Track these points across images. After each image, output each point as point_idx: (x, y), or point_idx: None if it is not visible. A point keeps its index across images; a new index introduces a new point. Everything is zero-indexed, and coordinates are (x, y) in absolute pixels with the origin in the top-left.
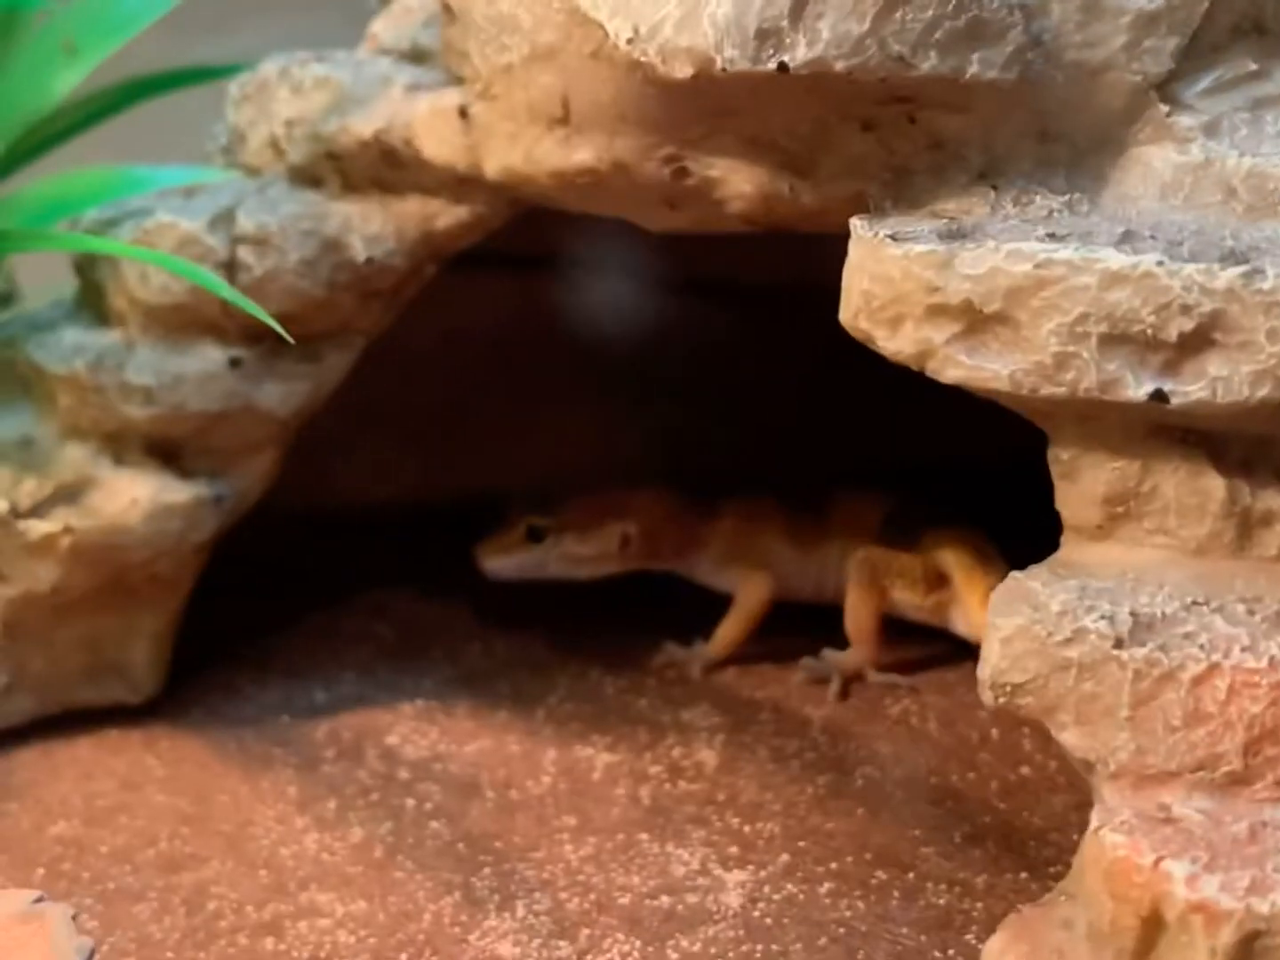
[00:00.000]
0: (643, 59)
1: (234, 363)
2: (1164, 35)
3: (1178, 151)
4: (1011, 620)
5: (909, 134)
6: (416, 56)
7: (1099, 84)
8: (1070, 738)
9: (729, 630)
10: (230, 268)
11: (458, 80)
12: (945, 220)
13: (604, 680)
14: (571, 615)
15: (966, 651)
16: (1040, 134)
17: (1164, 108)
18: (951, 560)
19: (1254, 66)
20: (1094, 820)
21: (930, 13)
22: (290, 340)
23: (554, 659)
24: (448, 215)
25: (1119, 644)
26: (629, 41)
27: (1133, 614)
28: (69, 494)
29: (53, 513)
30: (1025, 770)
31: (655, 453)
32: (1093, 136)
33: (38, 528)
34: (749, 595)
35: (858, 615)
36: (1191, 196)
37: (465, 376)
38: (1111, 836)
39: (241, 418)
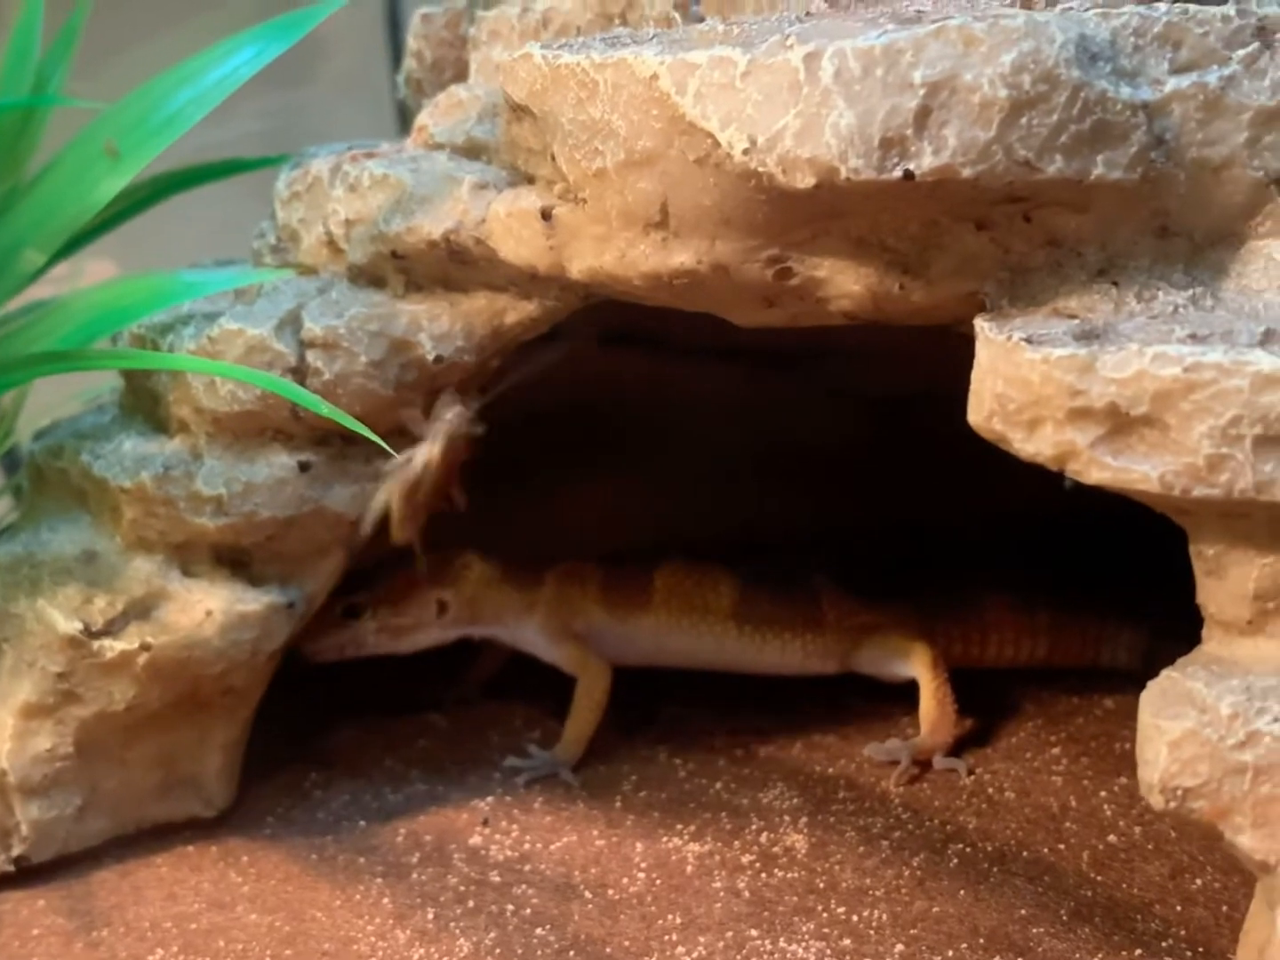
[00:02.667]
0: (760, 169)
1: (303, 467)
2: None
3: None
4: (1179, 724)
5: (1024, 232)
6: (472, 151)
7: (1220, 180)
8: (1247, 840)
9: (577, 728)
10: (299, 372)
11: (526, 178)
12: (1073, 320)
13: (673, 763)
14: (621, 691)
15: (1025, 714)
16: (1160, 230)
17: None
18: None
19: None
20: None
21: (1056, 116)
22: (387, 448)
23: (617, 742)
24: (516, 311)
25: None
26: (745, 152)
27: None
28: (141, 609)
29: (127, 630)
30: (1112, 839)
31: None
32: (1211, 231)
33: (114, 646)
34: (591, 684)
35: (940, 702)
36: None
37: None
38: None
39: (312, 522)
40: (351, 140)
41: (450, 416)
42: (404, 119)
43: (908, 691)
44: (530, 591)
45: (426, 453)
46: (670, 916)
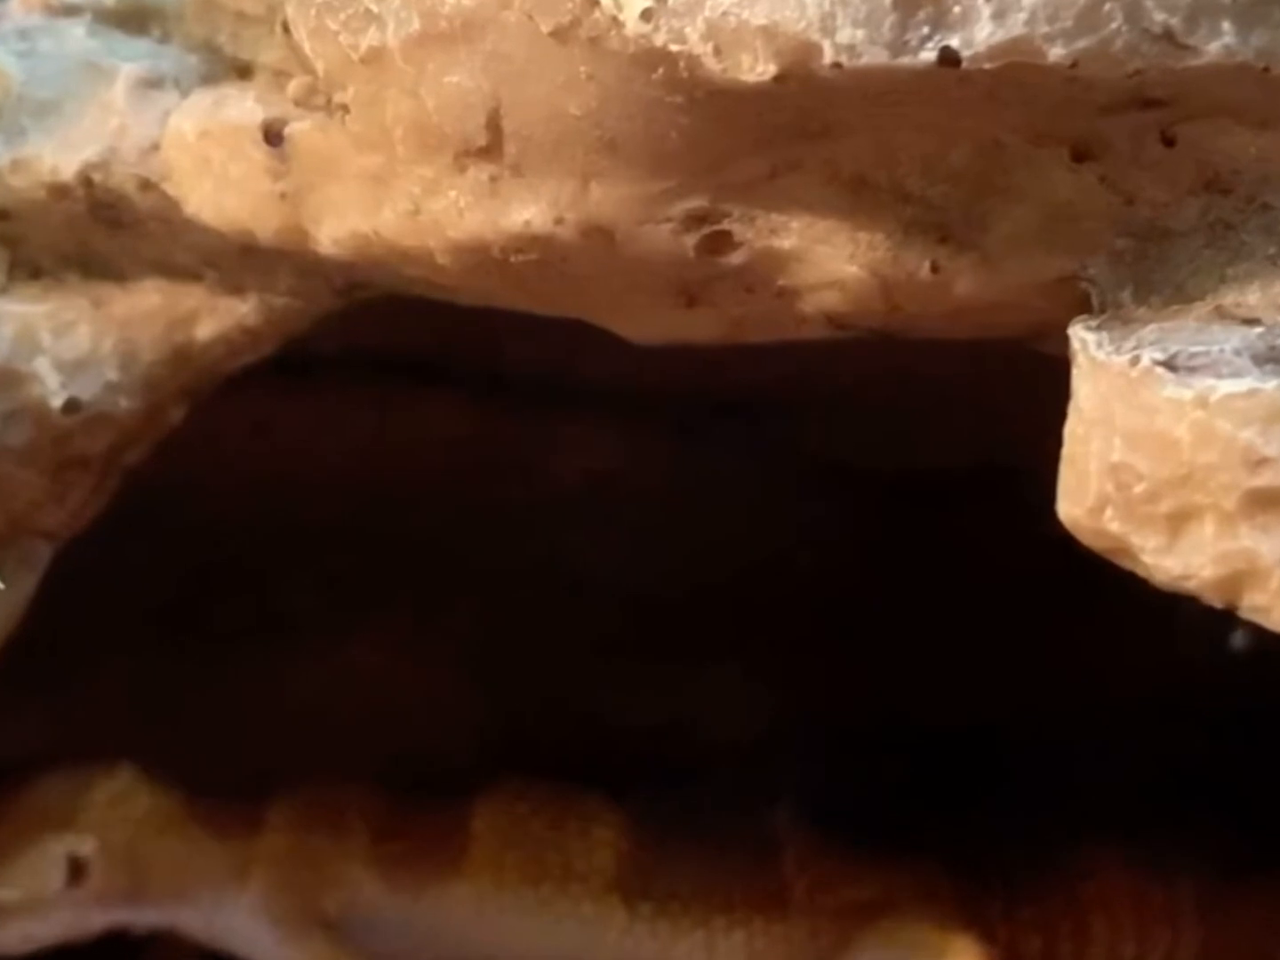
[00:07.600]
0: (674, 48)
1: None
2: None
3: None
4: None
5: (1163, 166)
6: (133, 19)
7: None
8: None
9: None
10: None
11: (236, 69)
12: (1251, 328)
13: None
14: None
15: None
16: None
17: None
18: None
19: None
20: None
21: None
22: None
23: None
24: (216, 316)
25: None
26: (645, 16)
27: None
28: None
29: None
30: None
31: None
32: None
33: None
34: None
35: None
36: None
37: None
38: None
39: None
40: None
41: None
42: None
43: None
44: (242, 843)
45: None
46: None
